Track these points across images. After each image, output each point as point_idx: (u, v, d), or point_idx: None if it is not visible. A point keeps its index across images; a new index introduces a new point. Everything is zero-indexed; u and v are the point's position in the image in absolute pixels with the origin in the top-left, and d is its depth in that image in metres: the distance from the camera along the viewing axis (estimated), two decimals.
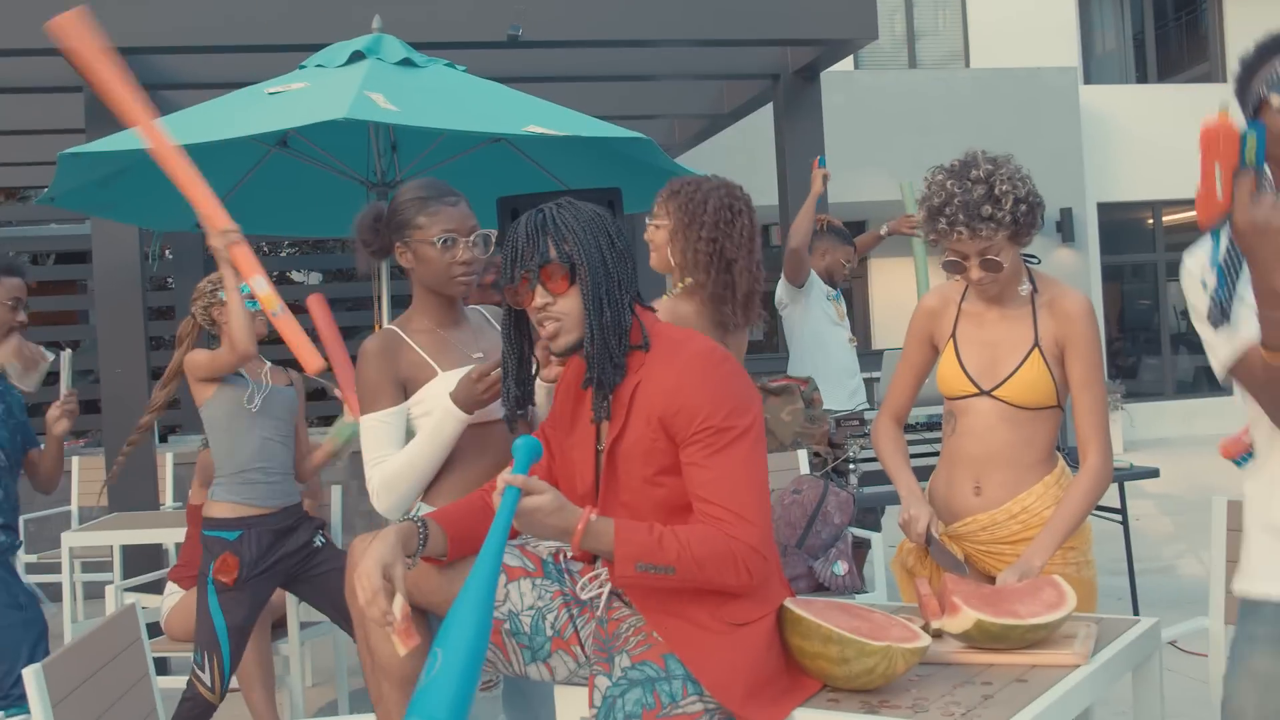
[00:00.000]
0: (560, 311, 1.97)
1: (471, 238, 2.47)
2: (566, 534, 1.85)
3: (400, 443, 2.45)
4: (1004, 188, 2.37)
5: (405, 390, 2.46)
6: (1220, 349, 1.75)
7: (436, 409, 2.43)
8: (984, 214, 2.36)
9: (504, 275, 2.00)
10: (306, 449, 3.79)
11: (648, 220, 3.03)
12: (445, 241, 2.45)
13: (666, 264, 2.99)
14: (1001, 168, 2.40)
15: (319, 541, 3.58)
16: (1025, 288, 2.51)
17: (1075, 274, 12.66)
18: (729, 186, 2.97)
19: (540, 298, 1.97)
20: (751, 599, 1.93)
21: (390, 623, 1.85)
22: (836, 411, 4.65)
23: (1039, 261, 2.57)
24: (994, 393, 2.48)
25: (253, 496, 3.43)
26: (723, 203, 2.91)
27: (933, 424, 4.67)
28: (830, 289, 5.13)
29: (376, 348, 2.45)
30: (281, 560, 3.47)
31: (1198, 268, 1.78)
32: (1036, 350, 2.47)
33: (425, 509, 2.46)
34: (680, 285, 2.98)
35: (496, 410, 2.46)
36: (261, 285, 2.94)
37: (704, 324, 2.95)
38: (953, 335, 2.57)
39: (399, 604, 1.87)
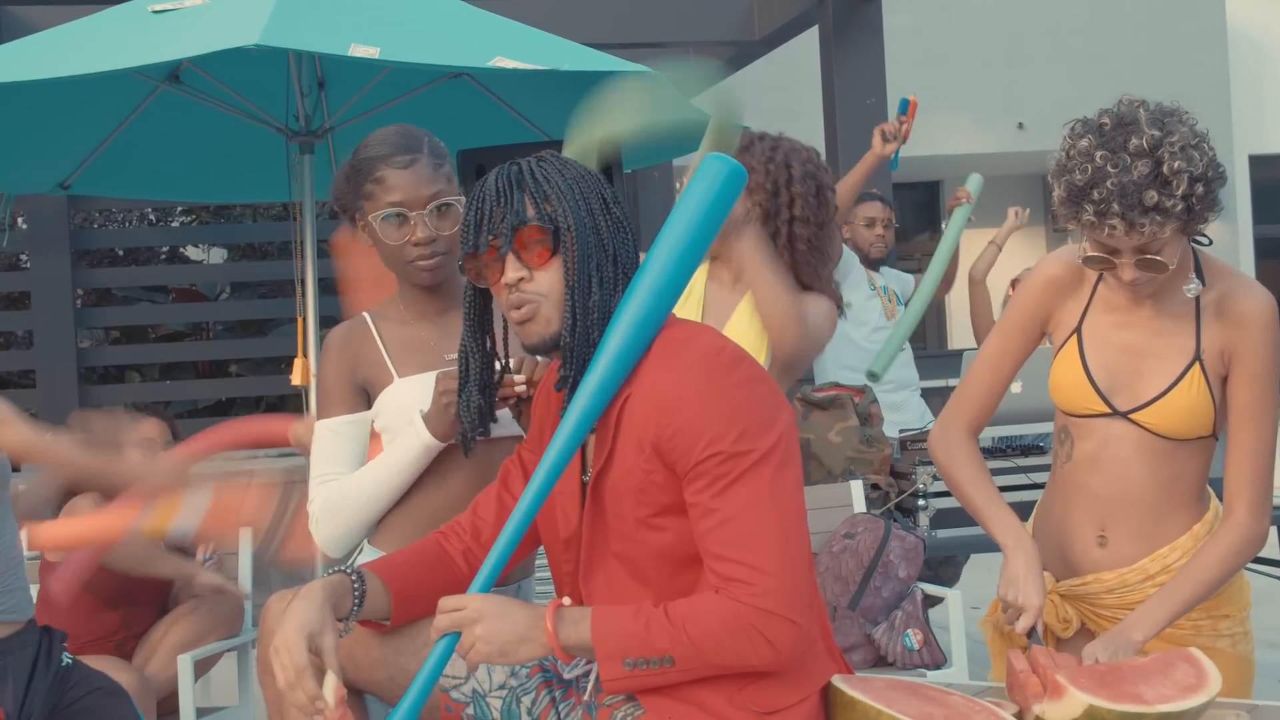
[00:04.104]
0: (538, 291, 1.98)
1: (428, 209, 2.50)
2: (538, 644, 1.89)
3: (358, 459, 2.53)
4: (1176, 164, 2.20)
5: (368, 395, 2.56)
6: None
7: (396, 425, 2.48)
8: (1148, 202, 2.19)
9: (465, 243, 2.01)
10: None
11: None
12: (391, 218, 2.49)
13: None
14: (1171, 132, 2.23)
15: (66, 659, 3.21)
16: (1193, 287, 2.38)
17: (1220, 249, 12.64)
18: (810, 151, 3.00)
19: (513, 270, 1.98)
20: (784, 678, 1.93)
21: (320, 711, 1.86)
22: (903, 430, 4.66)
23: (1210, 243, 2.42)
24: (1133, 416, 2.42)
25: (14, 607, 3.07)
26: (808, 170, 2.95)
27: (1030, 447, 4.66)
28: (875, 274, 5.08)
29: (338, 341, 2.58)
30: (35, 697, 3.09)
31: None
32: (1197, 365, 2.39)
33: (371, 554, 2.49)
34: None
35: None
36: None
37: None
38: (1078, 329, 2.48)
39: (331, 685, 1.87)
